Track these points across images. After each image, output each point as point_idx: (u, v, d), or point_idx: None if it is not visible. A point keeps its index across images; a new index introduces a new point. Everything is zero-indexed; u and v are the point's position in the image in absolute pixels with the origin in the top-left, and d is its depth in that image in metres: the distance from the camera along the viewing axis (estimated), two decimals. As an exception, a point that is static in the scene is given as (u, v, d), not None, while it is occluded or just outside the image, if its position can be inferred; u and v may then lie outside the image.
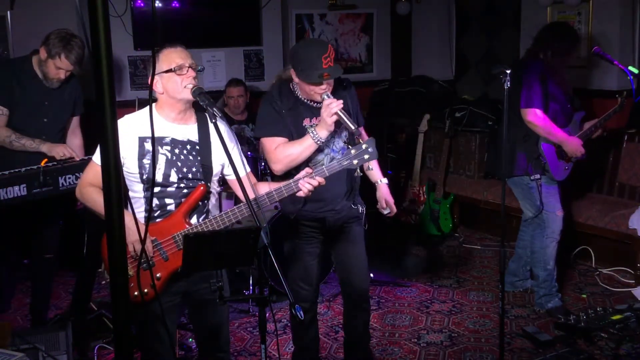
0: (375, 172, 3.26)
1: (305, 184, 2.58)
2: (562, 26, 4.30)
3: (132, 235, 2.48)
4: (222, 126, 2.63)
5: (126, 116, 2.66)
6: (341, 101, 2.83)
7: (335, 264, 3.45)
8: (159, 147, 2.62)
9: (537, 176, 4.11)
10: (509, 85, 3.10)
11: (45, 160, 3.43)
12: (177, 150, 2.64)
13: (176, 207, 2.63)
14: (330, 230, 3.20)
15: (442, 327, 4.14)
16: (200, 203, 2.66)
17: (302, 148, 2.93)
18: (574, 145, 4.10)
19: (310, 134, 2.91)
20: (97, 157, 2.65)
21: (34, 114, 3.76)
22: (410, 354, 3.81)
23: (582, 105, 4.45)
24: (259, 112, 3.10)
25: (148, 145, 2.58)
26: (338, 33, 6.81)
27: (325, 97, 2.86)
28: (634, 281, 4.63)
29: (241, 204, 2.59)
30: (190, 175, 2.65)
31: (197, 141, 2.68)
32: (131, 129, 2.60)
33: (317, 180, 2.58)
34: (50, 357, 3.20)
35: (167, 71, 2.57)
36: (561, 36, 4.09)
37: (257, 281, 4.43)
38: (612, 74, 5.18)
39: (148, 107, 2.56)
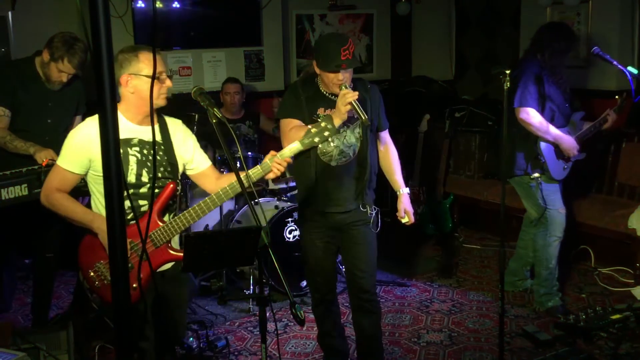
0: (397, 181, 3.40)
1: (274, 166, 2.69)
2: (560, 26, 4.31)
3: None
4: (179, 127, 2.82)
5: (88, 119, 2.70)
6: (357, 93, 2.94)
7: (343, 264, 3.49)
8: (129, 149, 2.66)
9: (536, 175, 4.13)
10: (508, 86, 3.11)
11: (47, 160, 3.44)
12: (145, 151, 2.70)
13: (149, 207, 2.68)
14: (338, 229, 3.27)
15: (442, 327, 4.15)
16: (171, 201, 2.75)
17: None
18: (568, 143, 4.11)
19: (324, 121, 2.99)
20: (62, 162, 2.68)
21: (37, 115, 3.78)
22: (410, 354, 3.82)
23: (581, 106, 4.46)
24: (283, 97, 3.30)
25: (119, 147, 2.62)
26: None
27: (344, 87, 2.98)
28: (633, 281, 4.64)
29: (207, 197, 2.69)
30: (159, 175, 2.73)
31: (162, 141, 2.76)
32: (98, 131, 2.61)
33: (281, 160, 2.70)
34: (52, 356, 3.21)
35: (148, 76, 2.61)
36: (558, 35, 4.09)
37: (257, 281, 4.44)
38: (611, 74, 5.18)
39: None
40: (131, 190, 2.67)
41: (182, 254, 2.65)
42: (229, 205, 5.03)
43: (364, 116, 2.92)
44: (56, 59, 3.63)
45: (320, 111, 3.13)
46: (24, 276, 4.87)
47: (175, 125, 2.83)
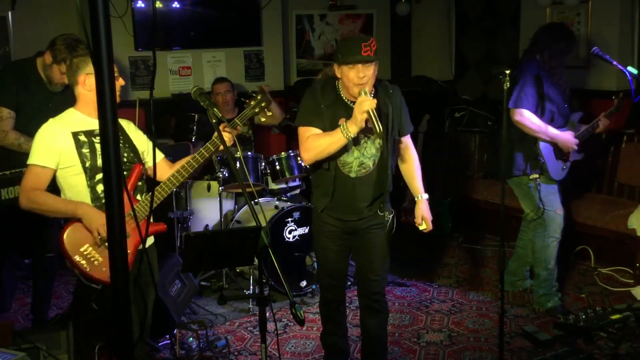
0: (416, 186, 3.35)
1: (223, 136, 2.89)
2: (559, 26, 4.30)
3: (96, 220, 2.72)
4: (130, 123, 3.07)
5: (51, 120, 2.91)
6: (375, 100, 2.88)
7: (355, 265, 3.48)
8: (93, 138, 2.87)
9: (535, 176, 4.13)
10: (508, 86, 3.12)
11: None
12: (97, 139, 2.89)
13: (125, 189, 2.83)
14: (354, 233, 3.24)
15: (442, 327, 4.15)
16: (140, 182, 2.95)
17: (330, 141, 2.99)
18: (565, 139, 4.11)
19: (341, 127, 2.96)
20: (34, 160, 2.82)
21: (38, 115, 3.76)
22: (410, 354, 3.82)
23: (580, 106, 4.46)
24: (301, 102, 3.20)
25: (82, 137, 2.84)
26: (338, 34, 6.82)
27: (363, 93, 2.90)
28: (633, 281, 4.64)
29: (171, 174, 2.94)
30: (124, 159, 2.91)
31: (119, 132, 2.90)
32: (62, 127, 2.85)
33: (228, 132, 2.96)
34: (52, 356, 3.21)
35: None
36: (558, 36, 4.09)
37: (257, 281, 4.45)
38: (611, 75, 5.19)
39: (71, 109, 2.93)
40: (101, 176, 2.79)
41: (160, 226, 2.94)
42: (229, 205, 5.03)
43: (378, 128, 2.85)
44: (59, 61, 3.63)
45: (342, 121, 3.03)
46: (24, 276, 4.87)
47: (128, 122, 3.10)
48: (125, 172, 2.87)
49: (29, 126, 3.74)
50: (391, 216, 3.24)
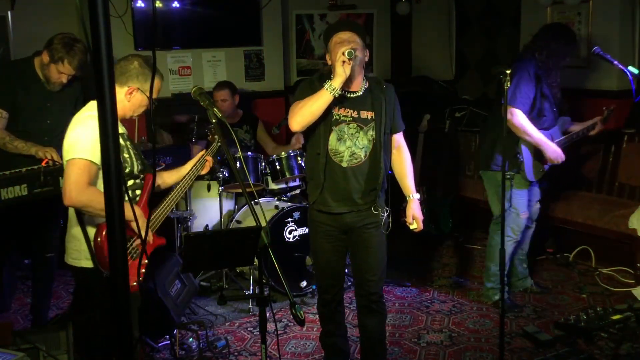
0: (408, 186, 3.34)
1: (203, 162, 3.12)
2: (561, 27, 4.29)
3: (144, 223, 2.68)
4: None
5: (90, 113, 2.71)
6: (349, 46, 2.93)
7: (351, 265, 3.48)
8: (127, 143, 2.84)
9: (512, 174, 4.13)
10: (509, 85, 3.11)
11: (46, 160, 3.44)
12: (130, 144, 2.87)
13: (142, 196, 2.86)
14: (348, 231, 3.24)
15: (442, 327, 4.15)
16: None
17: (315, 98, 3.00)
18: (553, 152, 4.10)
19: (325, 84, 2.99)
20: (89, 155, 2.57)
21: (37, 115, 3.77)
22: (410, 354, 3.81)
23: (580, 106, 4.46)
24: (298, 88, 3.21)
25: (121, 141, 2.77)
26: (338, 33, 6.81)
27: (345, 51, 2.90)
28: (633, 281, 4.64)
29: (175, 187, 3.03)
30: (142, 167, 2.89)
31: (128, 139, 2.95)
32: None
33: (207, 158, 3.15)
34: (51, 356, 3.21)
35: (149, 98, 2.78)
36: (559, 37, 4.08)
37: (257, 281, 4.44)
38: (612, 74, 5.18)
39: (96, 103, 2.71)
40: (132, 182, 2.80)
41: (161, 240, 2.92)
42: (229, 205, 5.03)
43: (346, 51, 2.89)
44: (56, 60, 3.62)
45: (335, 110, 3.09)
46: (24, 276, 4.87)
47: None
48: (143, 181, 2.84)
49: (27, 126, 3.74)
50: (385, 215, 3.24)
